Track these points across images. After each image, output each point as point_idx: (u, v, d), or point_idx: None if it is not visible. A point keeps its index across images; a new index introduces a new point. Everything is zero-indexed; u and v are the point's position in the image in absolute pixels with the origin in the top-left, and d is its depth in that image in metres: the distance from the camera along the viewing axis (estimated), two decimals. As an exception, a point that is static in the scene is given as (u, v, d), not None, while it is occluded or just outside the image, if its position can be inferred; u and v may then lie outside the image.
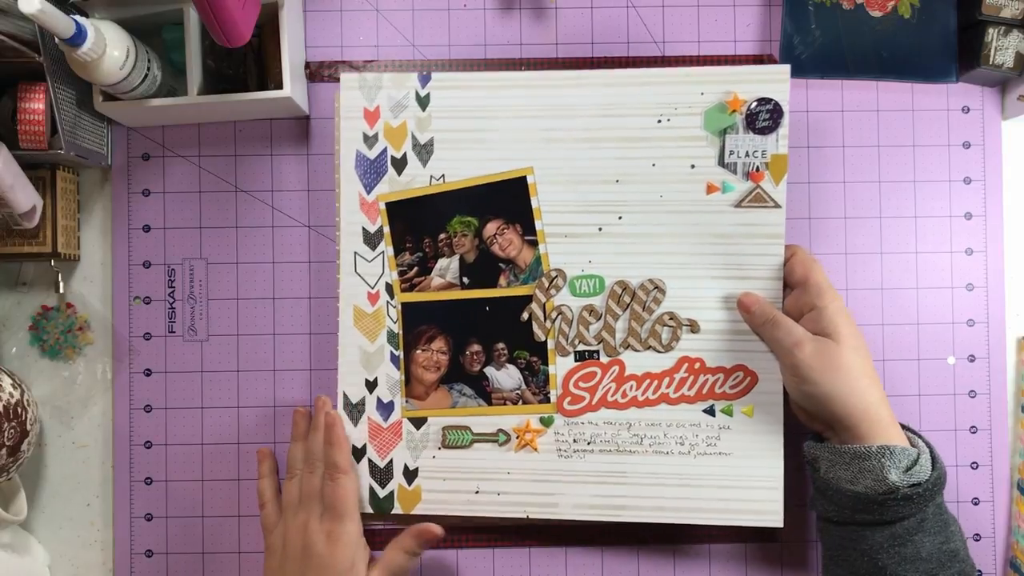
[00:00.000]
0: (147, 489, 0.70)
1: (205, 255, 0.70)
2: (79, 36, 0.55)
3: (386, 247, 0.64)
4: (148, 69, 0.62)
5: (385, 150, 0.64)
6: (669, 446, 0.63)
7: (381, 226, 0.64)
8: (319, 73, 0.70)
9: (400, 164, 0.64)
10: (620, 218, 0.63)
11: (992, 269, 0.71)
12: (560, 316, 0.63)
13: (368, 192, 0.64)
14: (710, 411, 0.63)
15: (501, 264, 0.64)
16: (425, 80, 0.64)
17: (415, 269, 0.65)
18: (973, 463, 0.70)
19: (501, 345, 0.64)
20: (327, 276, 0.69)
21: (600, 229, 0.63)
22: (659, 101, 0.62)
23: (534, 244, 0.64)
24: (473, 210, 0.64)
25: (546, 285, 0.63)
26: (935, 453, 0.58)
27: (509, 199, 0.64)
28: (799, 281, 0.60)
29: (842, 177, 0.71)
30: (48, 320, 0.70)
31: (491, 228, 0.64)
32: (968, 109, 0.71)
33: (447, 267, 0.64)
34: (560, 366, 0.64)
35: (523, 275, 0.64)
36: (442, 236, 0.64)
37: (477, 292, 0.64)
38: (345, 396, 0.65)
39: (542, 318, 0.64)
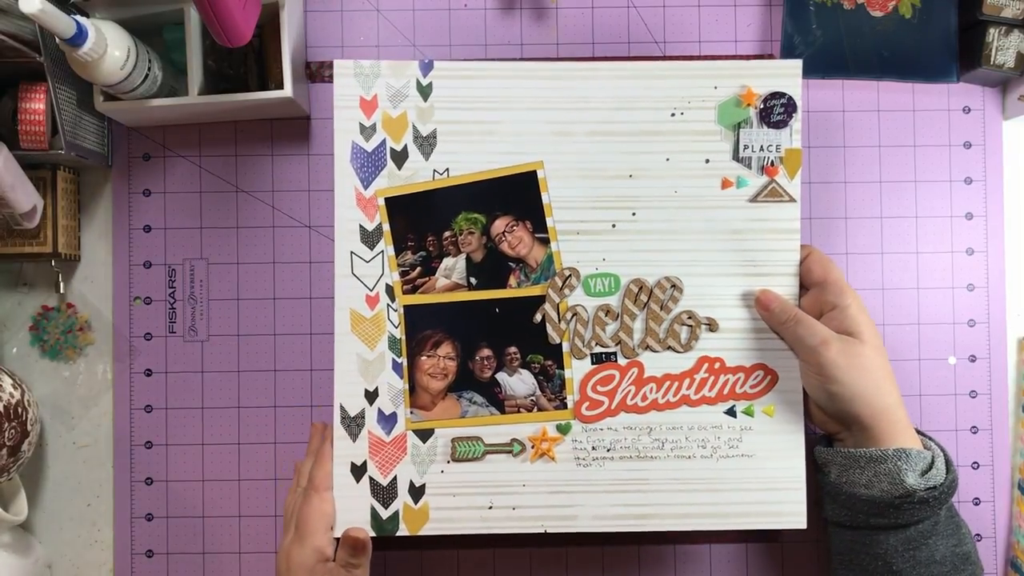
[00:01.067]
0: (147, 489, 0.70)
1: (206, 255, 0.70)
2: (80, 36, 0.55)
3: (386, 246, 0.61)
4: (149, 69, 0.62)
5: (384, 142, 0.61)
6: (691, 450, 0.61)
7: (380, 223, 0.61)
8: (320, 73, 0.70)
9: (400, 157, 0.60)
10: (634, 214, 0.60)
11: (993, 269, 0.70)
12: (575, 317, 0.60)
13: (365, 187, 0.61)
14: (731, 412, 0.61)
15: (511, 263, 0.61)
16: (427, 68, 0.60)
17: (418, 269, 0.61)
18: (974, 463, 0.70)
19: (513, 349, 0.61)
20: (327, 276, 0.69)
21: (614, 225, 0.61)
22: (672, 95, 0.60)
23: (545, 242, 0.61)
24: (480, 206, 0.61)
25: (559, 285, 0.60)
26: (947, 455, 0.58)
27: (518, 195, 0.61)
28: (817, 280, 0.60)
29: (843, 177, 0.71)
30: (49, 320, 0.70)
31: (500, 225, 0.61)
32: (969, 109, 0.71)
33: (453, 267, 0.61)
34: (576, 370, 0.61)
35: (534, 274, 0.61)
36: (447, 234, 0.61)
37: (486, 293, 0.61)
38: (342, 408, 0.60)
39: (556, 319, 0.61)
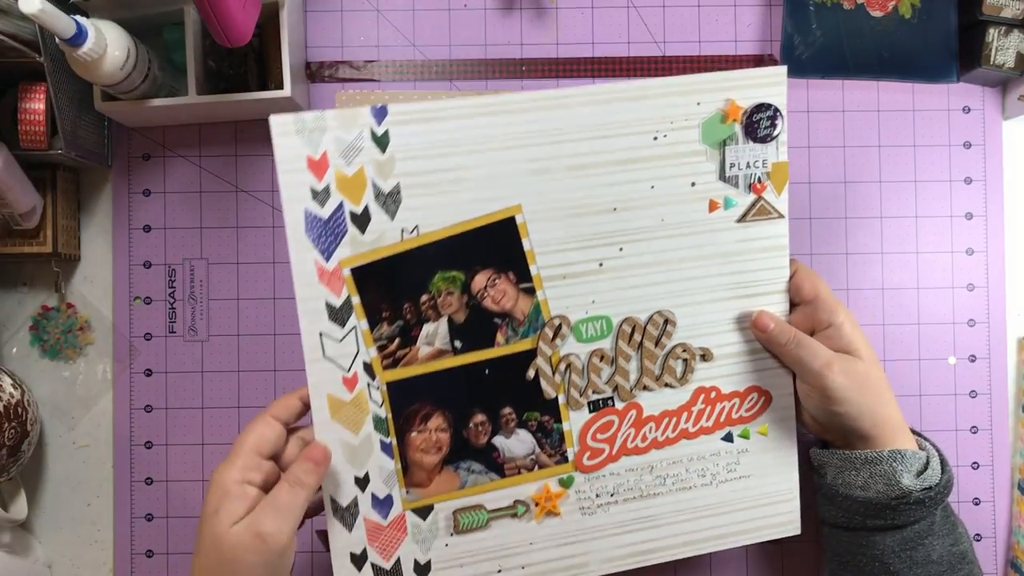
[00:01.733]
0: (147, 489, 0.70)
1: (205, 255, 0.70)
2: (79, 36, 0.55)
3: (358, 321, 0.55)
4: (148, 69, 0.62)
5: (341, 205, 0.54)
6: (692, 480, 0.59)
7: (348, 297, 0.54)
8: (320, 73, 0.70)
9: (362, 220, 0.54)
10: (621, 249, 0.57)
11: (993, 269, 0.70)
12: (569, 368, 0.57)
13: (327, 259, 0.54)
14: (728, 438, 0.60)
15: (496, 319, 0.56)
16: (381, 114, 0.53)
17: (397, 340, 0.55)
18: (974, 463, 0.70)
19: (508, 410, 0.57)
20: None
21: (601, 264, 0.57)
22: (654, 116, 0.56)
23: (531, 292, 0.56)
24: (457, 263, 0.55)
25: (550, 336, 0.57)
26: (943, 455, 0.58)
27: (497, 245, 0.55)
28: (808, 297, 0.58)
29: (843, 177, 0.71)
30: (48, 320, 0.70)
31: (480, 280, 0.56)
32: (969, 109, 0.71)
33: (435, 332, 0.55)
34: (574, 421, 0.58)
35: (522, 328, 0.56)
36: (424, 298, 0.55)
37: (473, 356, 0.56)
38: (333, 501, 0.55)
39: (550, 373, 0.57)
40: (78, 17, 0.55)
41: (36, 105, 0.62)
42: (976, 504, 0.70)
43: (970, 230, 0.71)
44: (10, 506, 0.67)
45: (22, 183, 0.63)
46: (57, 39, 0.55)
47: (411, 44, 0.71)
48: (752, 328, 0.59)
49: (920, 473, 0.56)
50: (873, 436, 0.57)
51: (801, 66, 0.70)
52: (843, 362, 0.56)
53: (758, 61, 0.71)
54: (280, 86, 0.64)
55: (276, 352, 0.70)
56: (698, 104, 0.57)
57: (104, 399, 0.70)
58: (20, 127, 0.63)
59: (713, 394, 0.59)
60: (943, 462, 0.57)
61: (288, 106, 0.67)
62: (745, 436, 0.60)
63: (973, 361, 0.70)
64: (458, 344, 0.56)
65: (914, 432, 0.60)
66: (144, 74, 0.62)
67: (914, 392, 0.70)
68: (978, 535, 0.70)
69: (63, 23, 0.53)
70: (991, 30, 0.67)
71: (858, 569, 0.58)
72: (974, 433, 0.70)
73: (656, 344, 0.58)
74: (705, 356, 0.59)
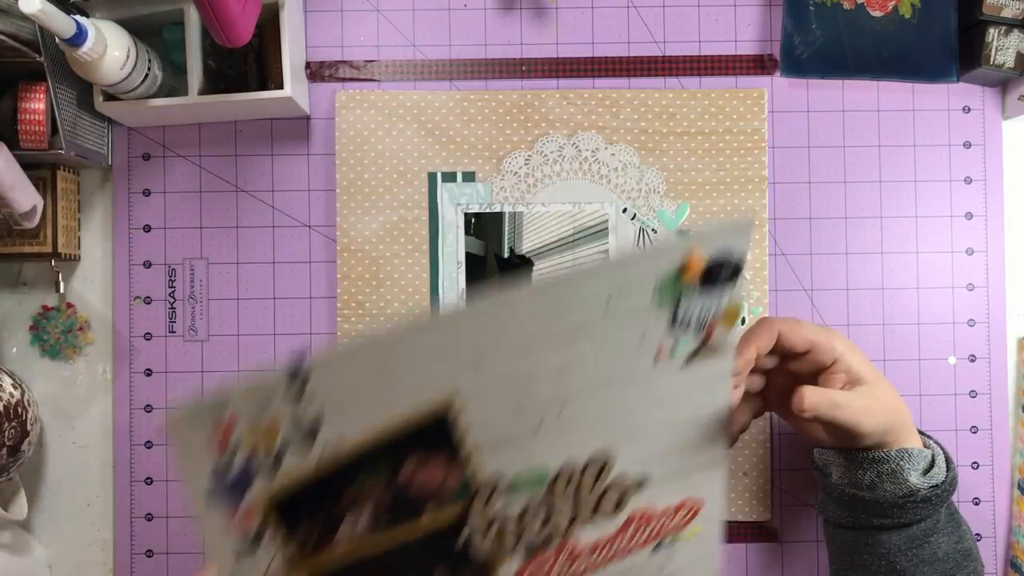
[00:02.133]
0: (147, 489, 0.70)
1: (205, 255, 0.70)
2: (80, 36, 0.55)
3: (275, 531, 0.50)
4: (148, 69, 0.62)
5: (252, 454, 0.49)
6: None
7: (262, 521, 0.50)
8: (320, 73, 0.70)
9: (276, 462, 0.49)
10: (561, 411, 0.52)
11: (993, 269, 0.70)
12: (501, 526, 0.54)
13: (239, 505, 0.50)
14: (658, 547, 0.57)
15: (423, 495, 0.52)
16: (295, 371, 0.47)
17: (316, 534, 0.51)
18: (974, 463, 0.70)
19: None
20: (327, 276, 0.69)
21: (540, 423, 0.52)
22: (608, 288, 0.50)
23: (464, 463, 0.52)
24: (383, 458, 0.50)
25: (482, 505, 0.53)
26: (947, 453, 0.58)
27: (428, 431, 0.51)
28: (803, 349, 0.56)
29: (843, 177, 0.71)
30: (48, 320, 0.70)
31: (408, 469, 0.51)
32: (969, 109, 0.71)
33: (356, 520, 0.51)
34: (508, 568, 0.55)
35: (453, 495, 0.52)
36: (346, 495, 0.51)
37: (398, 532, 0.52)
38: None
39: (481, 538, 0.54)
40: (78, 17, 0.55)
41: (36, 105, 0.62)
42: (976, 504, 0.70)
43: (970, 230, 0.71)
44: (10, 506, 0.67)
45: (22, 183, 0.63)
46: (57, 39, 0.55)
47: (411, 44, 0.71)
48: (796, 411, 0.55)
49: (926, 471, 0.56)
50: (886, 442, 0.57)
51: (801, 66, 0.70)
52: (864, 400, 0.55)
53: (757, 61, 0.71)
54: (280, 86, 0.64)
55: (276, 352, 0.70)
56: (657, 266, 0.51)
57: (104, 399, 0.70)
58: (20, 127, 0.63)
59: (647, 515, 0.57)
60: (948, 459, 0.57)
61: (288, 106, 0.67)
62: (675, 541, 0.58)
63: (973, 361, 0.70)
64: (382, 525, 0.51)
65: (918, 431, 0.60)
66: (144, 74, 0.62)
67: (914, 392, 0.70)
68: (978, 535, 0.70)
69: (63, 23, 0.53)
70: (991, 30, 0.67)
71: (864, 568, 0.58)
72: (974, 433, 0.70)
73: (592, 488, 0.55)
74: (642, 484, 0.56)
